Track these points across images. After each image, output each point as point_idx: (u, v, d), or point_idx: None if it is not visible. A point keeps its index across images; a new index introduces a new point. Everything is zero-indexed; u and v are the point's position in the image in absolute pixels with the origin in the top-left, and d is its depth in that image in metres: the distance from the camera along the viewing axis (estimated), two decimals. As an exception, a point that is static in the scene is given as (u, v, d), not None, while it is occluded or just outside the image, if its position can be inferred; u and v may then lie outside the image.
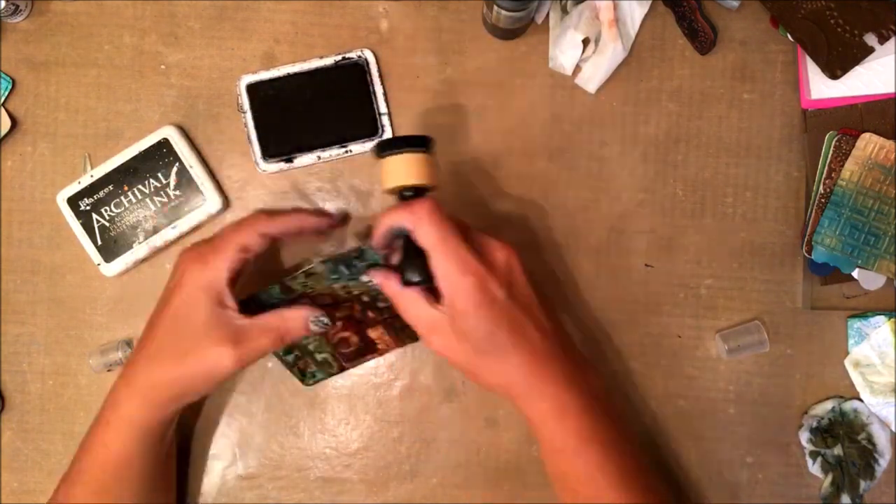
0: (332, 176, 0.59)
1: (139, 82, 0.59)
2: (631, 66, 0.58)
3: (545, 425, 0.48)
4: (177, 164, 0.57)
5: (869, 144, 0.55)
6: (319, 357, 0.56)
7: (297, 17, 0.59)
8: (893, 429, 0.58)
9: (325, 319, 0.51)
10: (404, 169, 0.47)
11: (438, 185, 0.50)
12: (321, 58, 0.58)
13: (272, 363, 0.59)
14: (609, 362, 0.59)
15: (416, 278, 0.47)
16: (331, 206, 0.59)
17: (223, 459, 0.59)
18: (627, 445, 0.50)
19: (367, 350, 0.57)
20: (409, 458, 0.59)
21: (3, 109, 0.58)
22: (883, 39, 0.55)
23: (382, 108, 0.58)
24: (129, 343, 0.58)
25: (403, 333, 0.56)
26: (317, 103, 0.57)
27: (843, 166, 0.56)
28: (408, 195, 0.48)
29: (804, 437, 0.58)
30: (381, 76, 0.58)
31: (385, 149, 0.48)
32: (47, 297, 0.59)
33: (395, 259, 0.50)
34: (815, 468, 0.58)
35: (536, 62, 0.59)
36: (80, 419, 0.59)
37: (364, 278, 0.49)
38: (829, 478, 0.58)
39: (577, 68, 0.58)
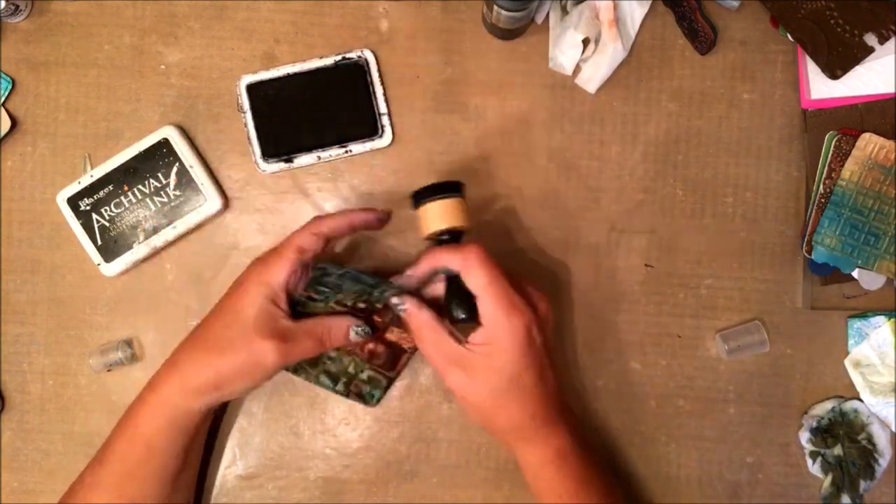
0: (332, 176, 0.59)
1: (139, 82, 0.59)
2: (631, 66, 0.58)
3: (545, 469, 0.51)
4: (177, 164, 0.57)
5: (869, 144, 0.55)
6: (364, 376, 0.57)
7: (297, 17, 0.59)
8: (893, 429, 0.58)
9: (367, 328, 0.52)
10: (441, 214, 0.49)
11: (471, 226, 0.51)
12: (321, 58, 0.58)
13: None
14: (609, 362, 0.59)
15: (462, 315, 0.49)
16: (330, 206, 0.59)
17: (223, 459, 0.59)
18: (616, 486, 0.54)
19: (397, 353, 0.57)
20: (409, 458, 0.59)
21: (3, 109, 0.58)
22: (883, 39, 0.55)
23: (382, 108, 0.58)
24: (129, 343, 0.58)
25: (392, 300, 0.54)
26: (317, 103, 0.57)
27: (843, 166, 0.56)
28: (444, 238, 0.50)
29: (804, 437, 0.58)
30: (381, 76, 0.58)
31: (421, 197, 0.50)
32: (47, 297, 0.59)
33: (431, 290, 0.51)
34: (815, 468, 0.58)
35: (536, 62, 0.59)
36: (80, 419, 0.59)
37: (395, 300, 0.50)
38: (829, 478, 0.58)
39: (577, 68, 0.58)
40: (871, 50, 0.55)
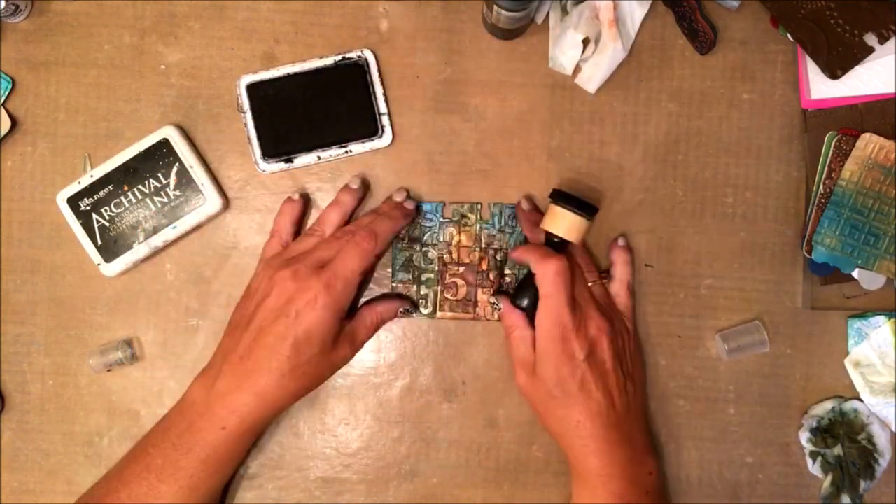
0: (332, 176, 0.59)
1: (139, 82, 0.59)
2: (631, 66, 0.58)
3: (589, 481, 0.53)
4: (177, 164, 0.57)
5: (869, 144, 0.55)
6: (423, 291, 0.58)
7: (297, 17, 0.59)
8: (893, 429, 0.58)
9: (411, 308, 0.58)
10: (565, 224, 0.53)
11: (581, 244, 0.55)
12: (321, 58, 0.58)
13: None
14: (609, 362, 0.59)
15: (522, 304, 0.55)
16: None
17: (223, 459, 0.59)
18: None
19: (466, 307, 0.58)
20: (409, 458, 0.59)
21: (3, 109, 0.58)
22: (883, 39, 0.55)
23: (382, 108, 0.58)
24: (129, 343, 0.58)
25: (490, 299, 0.58)
26: (317, 103, 0.57)
27: (843, 166, 0.56)
28: (555, 241, 0.54)
29: (804, 437, 0.58)
30: (381, 76, 0.58)
31: (562, 199, 0.54)
32: (47, 297, 0.59)
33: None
34: (815, 468, 0.58)
35: (536, 62, 0.59)
36: (80, 419, 0.59)
37: (491, 299, 0.58)
38: (829, 478, 0.58)
39: (577, 68, 0.58)
40: (871, 50, 0.55)
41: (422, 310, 0.59)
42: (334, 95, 0.58)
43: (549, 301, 0.52)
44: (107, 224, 0.57)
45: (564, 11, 0.57)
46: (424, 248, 0.58)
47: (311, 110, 0.58)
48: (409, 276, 0.59)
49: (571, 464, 0.55)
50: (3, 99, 0.58)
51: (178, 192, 0.57)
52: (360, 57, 0.58)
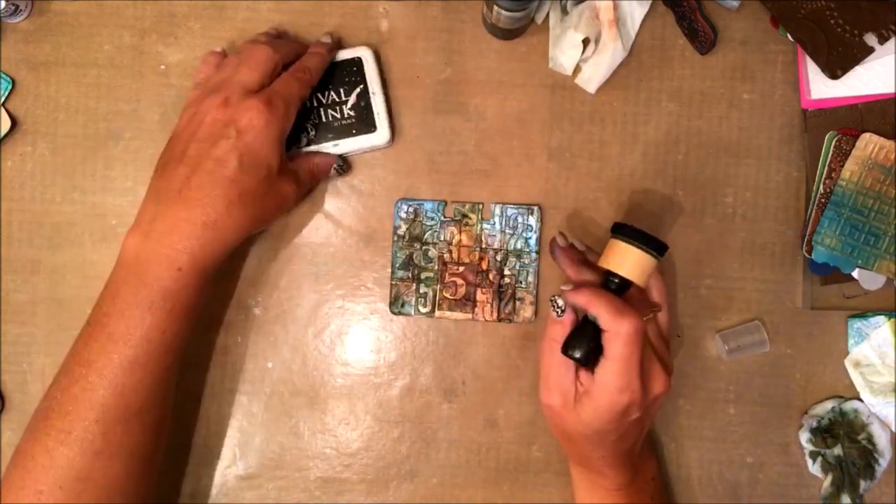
0: (331, 176, 0.59)
1: (139, 82, 0.59)
2: (631, 66, 0.58)
3: (596, 491, 0.53)
4: (361, 85, 0.57)
5: (869, 144, 0.55)
6: (423, 289, 0.58)
7: (297, 18, 0.59)
8: (893, 429, 0.58)
9: (346, 164, 0.58)
10: (631, 263, 0.48)
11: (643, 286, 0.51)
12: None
13: (272, 363, 0.59)
14: (609, 362, 0.59)
15: (577, 355, 0.48)
16: (331, 207, 0.59)
17: (223, 459, 0.59)
18: None
19: (465, 307, 0.58)
20: (409, 458, 0.59)
21: (3, 109, 0.58)
22: (883, 39, 0.55)
23: (381, 106, 0.57)
24: None
25: (505, 312, 0.58)
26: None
27: (843, 166, 0.56)
28: (615, 282, 0.49)
29: (804, 437, 0.58)
30: (381, 75, 0.58)
31: (626, 234, 0.49)
32: (47, 297, 0.59)
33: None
34: (815, 468, 0.58)
35: (536, 62, 0.59)
36: (80, 419, 0.59)
37: (561, 301, 0.50)
38: (829, 478, 0.58)
39: (577, 68, 0.58)
40: (871, 50, 0.55)
41: (420, 308, 0.58)
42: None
43: (620, 365, 0.46)
44: None
45: (564, 11, 0.57)
46: (425, 247, 0.58)
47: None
48: (408, 274, 0.59)
49: (577, 471, 0.55)
50: (3, 99, 0.58)
51: (352, 113, 0.57)
52: (359, 57, 0.57)
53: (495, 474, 0.59)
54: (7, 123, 0.58)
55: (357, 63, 0.57)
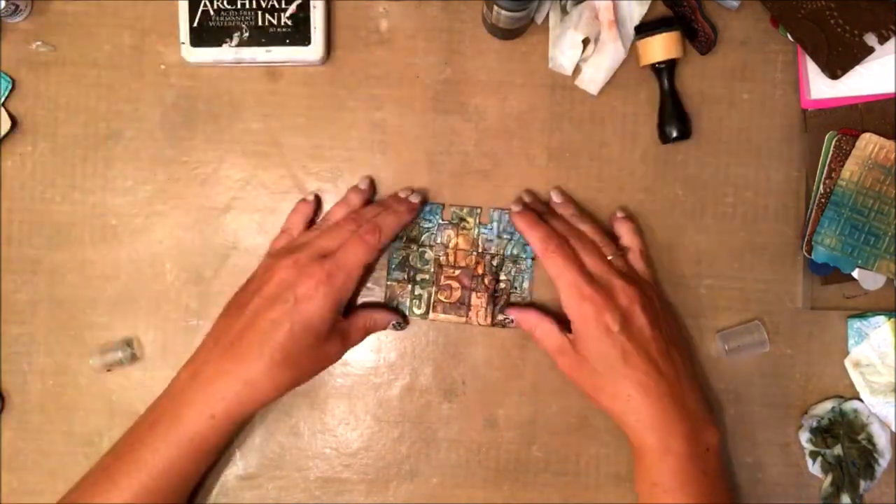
0: (332, 176, 0.59)
1: (139, 82, 0.59)
2: (631, 66, 0.58)
3: (646, 457, 0.52)
4: None
5: (869, 144, 0.55)
6: (417, 291, 0.58)
7: (297, 17, 0.59)
8: (893, 429, 0.58)
9: (404, 323, 0.58)
10: (661, 46, 0.55)
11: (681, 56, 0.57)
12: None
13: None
14: (609, 362, 0.59)
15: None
16: (329, 206, 0.59)
17: (223, 459, 0.59)
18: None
19: (459, 310, 0.58)
20: (409, 458, 0.59)
21: (3, 109, 0.58)
22: (883, 39, 0.55)
23: (320, 21, 0.56)
24: (129, 343, 0.58)
25: (499, 318, 0.58)
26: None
27: (843, 166, 0.56)
28: (662, 67, 0.56)
29: (804, 437, 0.58)
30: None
31: (644, 30, 0.56)
32: (47, 297, 0.59)
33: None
34: (815, 468, 0.58)
35: (536, 62, 0.59)
36: (80, 419, 0.59)
37: (500, 316, 0.58)
38: (829, 478, 0.58)
39: (578, 68, 0.58)
40: (871, 50, 0.55)
41: (415, 310, 0.58)
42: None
43: (561, 278, 0.52)
44: (212, 12, 0.56)
45: (564, 11, 0.57)
46: (421, 249, 0.58)
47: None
48: (404, 276, 0.59)
49: (631, 443, 0.53)
50: (3, 99, 0.58)
51: (289, 22, 0.56)
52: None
53: (495, 474, 0.59)
54: (7, 123, 0.58)
55: None
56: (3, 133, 0.58)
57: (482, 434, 0.59)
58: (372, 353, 0.59)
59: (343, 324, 0.55)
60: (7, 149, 0.59)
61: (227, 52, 0.57)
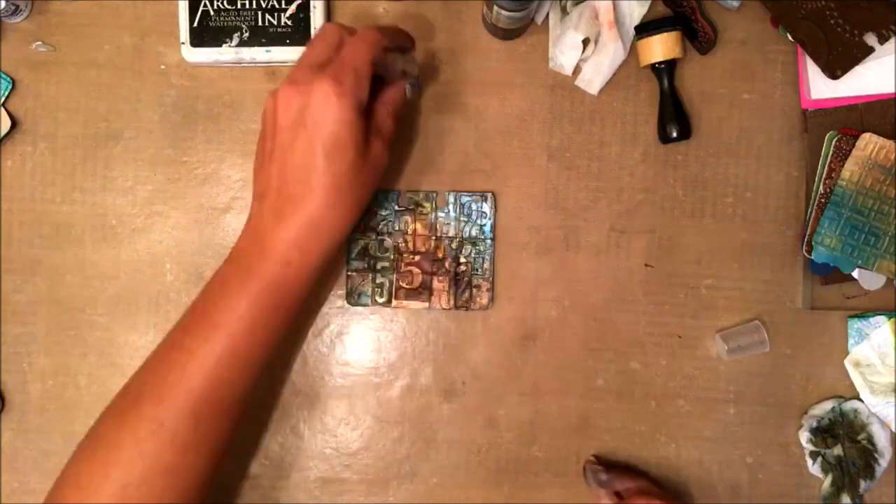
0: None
1: (139, 82, 0.59)
2: (631, 66, 0.58)
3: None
4: None
5: (869, 144, 0.55)
6: (379, 279, 0.58)
7: (297, 17, 0.59)
8: (893, 429, 0.58)
9: (416, 83, 0.54)
10: (661, 47, 0.56)
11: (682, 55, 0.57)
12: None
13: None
14: (609, 362, 0.59)
15: None
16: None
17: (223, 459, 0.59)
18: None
19: (421, 296, 0.58)
20: (409, 458, 0.59)
21: (3, 109, 0.58)
22: (883, 39, 0.55)
23: (320, 21, 0.56)
24: None
25: (462, 300, 0.58)
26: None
27: (843, 166, 0.56)
28: (662, 67, 0.57)
29: (804, 437, 0.58)
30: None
31: (645, 30, 0.56)
32: (47, 297, 0.59)
33: None
34: (815, 468, 0.58)
35: (536, 62, 0.59)
36: (80, 419, 0.59)
37: (602, 476, 0.56)
38: (829, 478, 0.58)
39: (578, 68, 0.58)
40: (871, 50, 0.55)
41: (377, 298, 0.58)
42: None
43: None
44: (212, 12, 0.56)
45: (564, 12, 0.57)
46: (380, 237, 0.58)
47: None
48: (364, 265, 0.58)
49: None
50: (3, 99, 0.58)
51: (289, 23, 0.56)
52: None
53: (495, 474, 0.59)
54: (7, 123, 0.58)
55: None
56: (3, 133, 0.58)
57: (482, 434, 0.59)
58: (372, 353, 0.59)
59: (372, 122, 0.49)
60: (7, 149, 0.59)
61: (226, 53, 0.57)
